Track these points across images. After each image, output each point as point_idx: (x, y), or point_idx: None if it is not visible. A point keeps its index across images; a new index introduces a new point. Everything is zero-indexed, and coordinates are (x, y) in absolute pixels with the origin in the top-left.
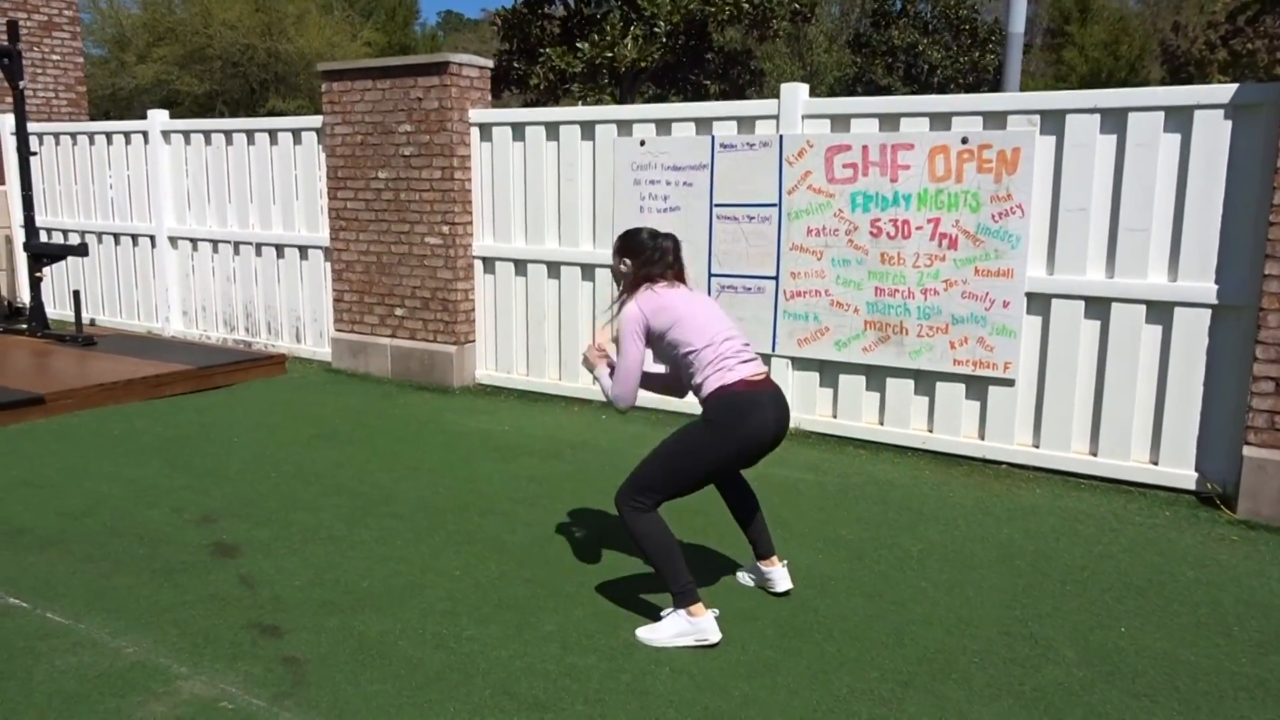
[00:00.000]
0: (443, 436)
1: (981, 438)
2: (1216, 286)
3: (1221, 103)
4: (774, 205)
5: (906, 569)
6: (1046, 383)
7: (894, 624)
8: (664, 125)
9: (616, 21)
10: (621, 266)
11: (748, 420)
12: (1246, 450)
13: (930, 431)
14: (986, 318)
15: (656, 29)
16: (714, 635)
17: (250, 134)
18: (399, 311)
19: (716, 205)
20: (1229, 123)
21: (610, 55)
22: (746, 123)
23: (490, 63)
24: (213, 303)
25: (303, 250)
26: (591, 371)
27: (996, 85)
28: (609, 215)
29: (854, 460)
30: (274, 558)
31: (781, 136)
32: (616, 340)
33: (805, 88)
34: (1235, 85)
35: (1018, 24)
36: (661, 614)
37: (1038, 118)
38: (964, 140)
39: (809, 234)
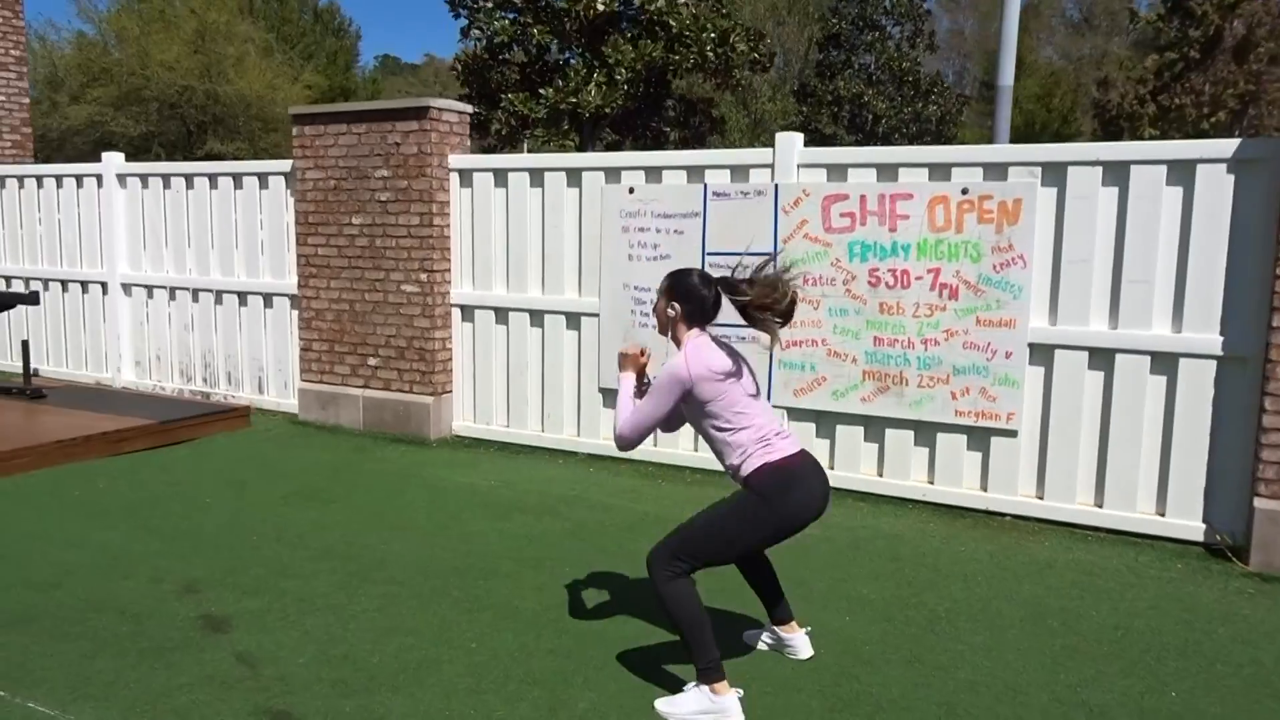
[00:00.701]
0: (427, 492)
1: (984, 489)
2: (1221, 338)
3: (1224, 158)
4: (770, 255)
5: (938, 630)
6: (1050, 433)
7: (941, 693)
8: (654, 173)
9: (580, 68)
10: (670, 311)
11: (795, 494)
12: (1258, 502)
13: (931, 483)
14: (989, 368)
15: (618, 76)
16: (736, 717)
17: (213, 178)
18: (372, 361)
19: (709, 254)
20: (1231, 177)
21: (574, 101)
22: (740, 171)
23: (469, 108)
24: (168, 352)
25: (267, 298)
26: (621, 370)
27: (939, 135)
28: (595, 263)
29: (855, 513)
30: (270, 632)
31: (777, 185)
32: (648, 385)
33: (800, 137)
34: (1238, 141)
35: (1007, 77)
36: (685, 687)
37: (1039, 169)
38: (964, 191)
39: (806, 283)
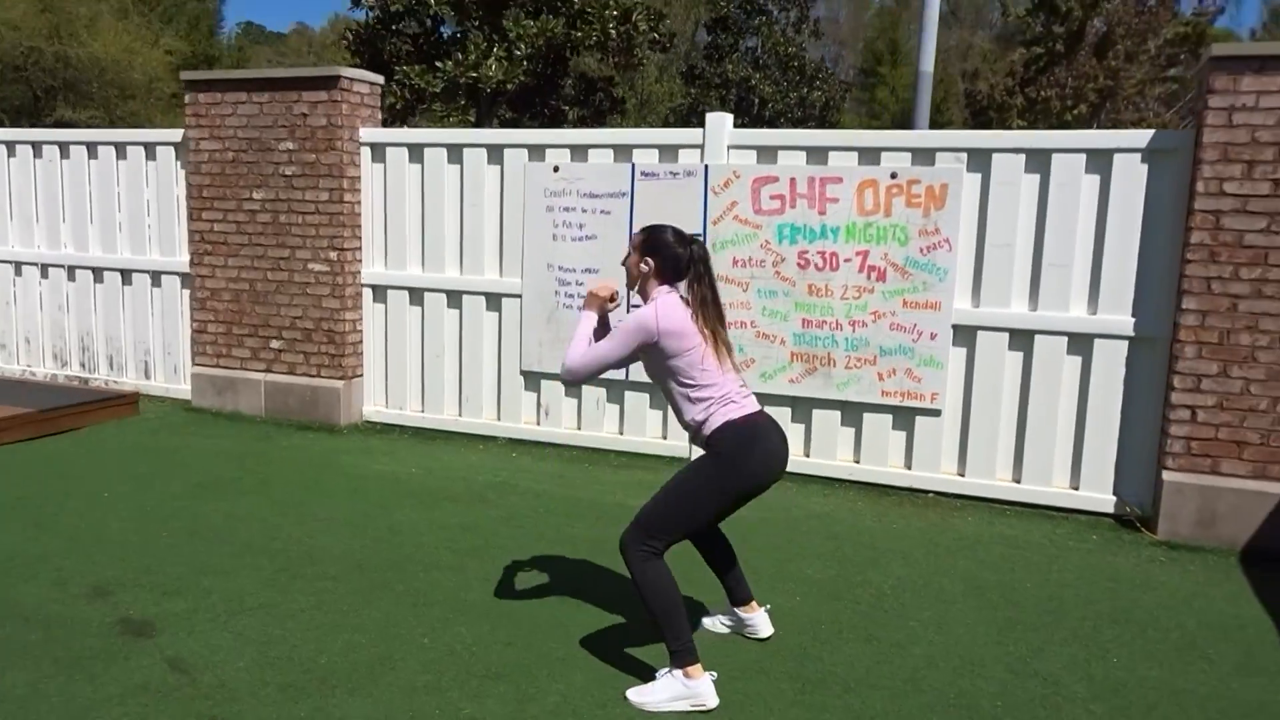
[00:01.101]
0: (346, 481)
1: (908, 467)
2: (1134, 319)
3: (1139, 148)
4: (698, 235)
5: (887, 608)
6: (972, 413)
7: (903, 668)
8: (579, 151)
9: (480, 42)
10: (643, 266)
11: (757, 451)
12: (1166, 475)
13: (857, 462)
14: (914, 349)
15: (517, 52)
16: (711, 700)
17: (92, 146)
18: (275, 344)
19: None
20: (1145, 166)
21: (475, 75)
22: (668, 151)
23: (380, 79)
24: (39, 335)
25: (155, 276)
26: (585, 307)
27: (823, 121)
28: (517, 243)
29: (786, 493)
30: (201, 635)
31: (707, 166)
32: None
33: (730, 118)
34: (1152, 132)
35: (927, 63)
36: (656, 674)
37: (965, 155)
38: (893, 175)
39: (735, 265)
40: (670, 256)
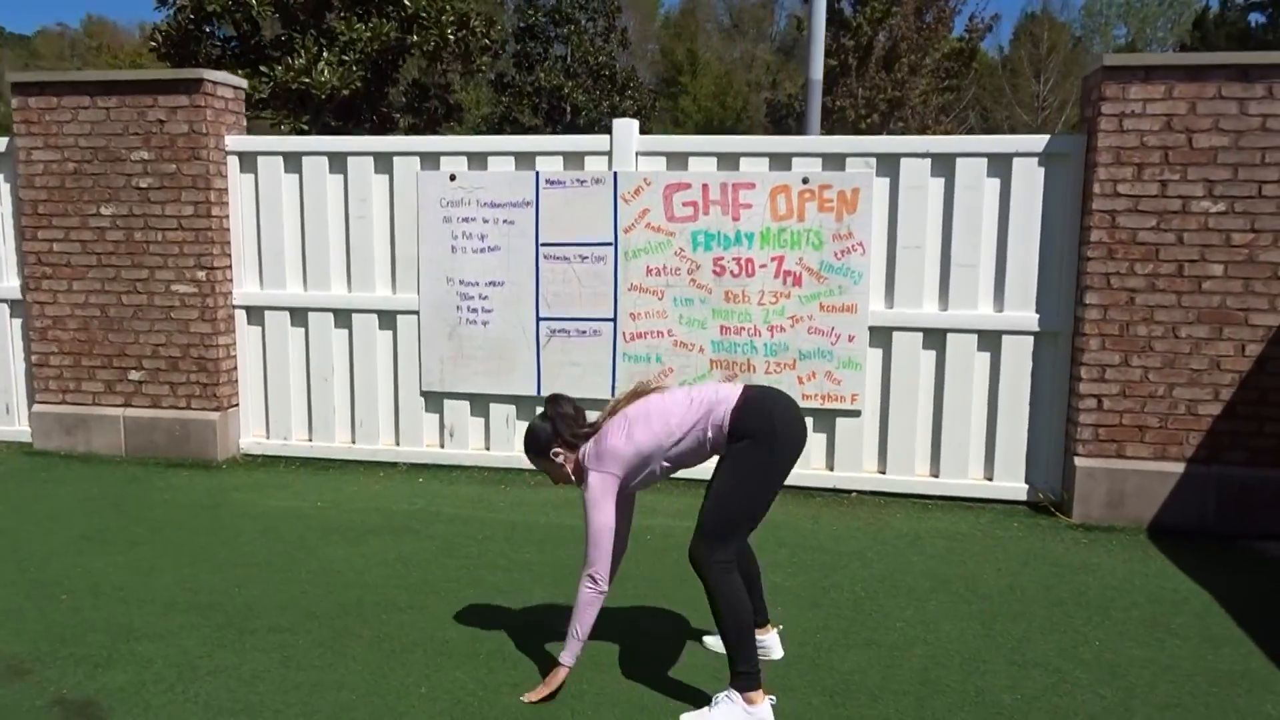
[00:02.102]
0: (247, 521)
1: (830, 468)
2: (1038, 315)
3: (1036, 152)
4: (609, 244)
5: (869, 610)
6: (890, 411)
7: (913, 671)
8: (478, 158)
9: (310, 46)
10: (557, 459)
11: (779, 417)
12: (1078, 460)
13: None
14: (833, 352)
15: (347, 57)
16: None
17: None
18: (135, 375)
19: (543, 244)
20: (1042, 170)
21: (307, 81)
22: (573, 158)
23: (244, 83)
24: None
25: None
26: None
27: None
28: (411, 256)
29: None
30: (161, 710)
31: (616, 173)
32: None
33: (636, 124)
34: (1048, 137)
35: (816, 71)
36: (714, 699)
37: (874, 160)
38: (805, 180)
39: (649, 273)
40: (564, 433)
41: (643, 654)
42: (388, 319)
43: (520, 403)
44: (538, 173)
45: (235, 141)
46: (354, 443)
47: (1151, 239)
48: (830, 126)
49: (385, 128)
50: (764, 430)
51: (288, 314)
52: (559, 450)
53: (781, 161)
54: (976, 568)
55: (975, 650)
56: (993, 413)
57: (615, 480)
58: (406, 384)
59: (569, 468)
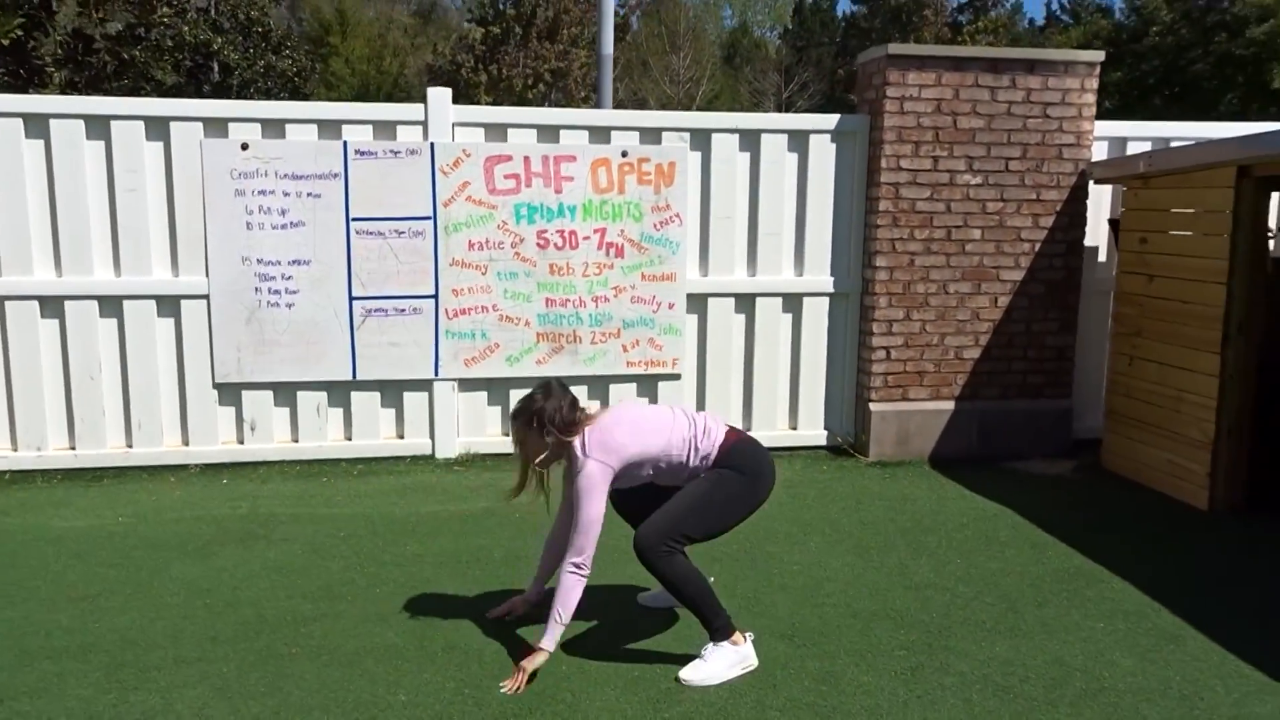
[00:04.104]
0: (47, 547)
1: None
2: (832, 278)
3: (829, 129)
4: (428, 218)
5: (762, 558)
6: (707, 372)
7: (838, 606)
8: (273, 126)
9: None
10: (548, 438)
11: (767, 467)
12: (872, 405)
13: None
14: (654, 319)
15: None
16: (754, 659)
17: None
18: None
19: (354, 219)
20: (834, 145)
21: None
22: (384, 128)
23: None
24: None
25: None
26: (548, 650)
27: (296, 91)
28: (198, 233)
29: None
30: None
31: (433, 144)
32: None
33: (449, 92)
34: (839, 116)
35: (607, 46)
36: (703, 653)
37: (688, 134)
38: (624, 154)
39: (471, 248)
40: (557, 410)
41: (624, 627)
42: (169, 305)
43: (333, 389)
44: (345, 142)
45: None
46: (131, 447)
47: (927, 208)
48: (499, 96)
49: (34, 83)
50: (753, 469)
51: (36, 303)
52: (553, 431)
53: (601, 135)
54: (824, 509)
55: (871, 580)
56: (795, 368)
57: (612, 473)
58: (195, 376)
59: (550, 451)
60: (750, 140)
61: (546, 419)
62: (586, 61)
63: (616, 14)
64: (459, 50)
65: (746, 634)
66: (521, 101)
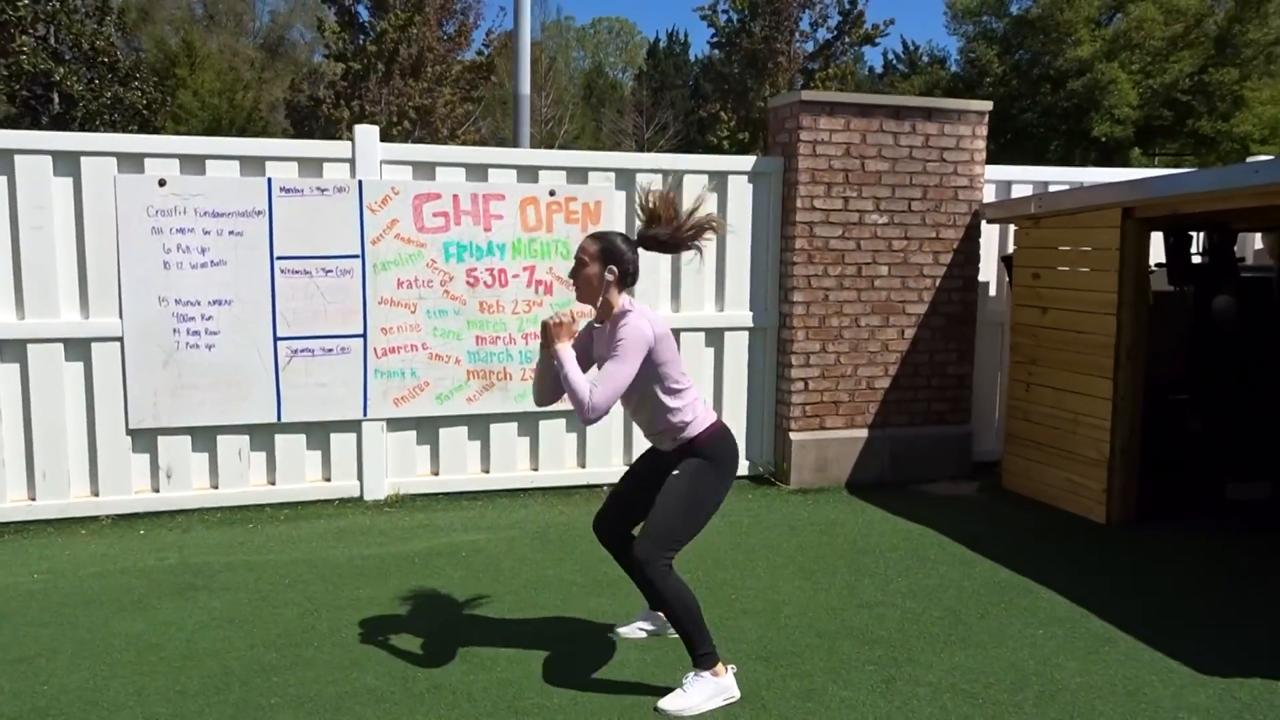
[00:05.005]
0: None
1: (583, 466)
2: (751, 313)
3: (746, 170)
4: (356, 256)
5: (718, 584)
6: None
7: (802, 626)
8: (193, 161)
9: None
10: (608, 275)
11: (737, 457)
12: (792, 435)
13: (536, 470)
14: None
15: None
16: (736, 691)
17: None
18: None
19: (279, 258)
20: (751, 186)
21: None
22: (310, 164)
23: None
24: None
25: None
26: (550, 347)
27: (145, 124)
28: (111, 273)
29: (505, 511)
30: None
31: (361, 182)
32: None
33: (376, 130)
34: (754, 158)
35: (524, 86)
36: (683, 683)
37: (613, 174)
38: (551, 193)
39: (400, 286)
40: (629, 261)
41: (608, 659)
42: (78, 348)
43: (256, 432)
44: (270, 179)
45: None
46: (34, 499)
47: (839, 246)
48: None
49: None
50: (728, 462)
51: None
52: (615, 272)
53: (529, 174)
54: (761, 536)
55: (825, 601)
56: (719, 400)
57: (648, 344)
58: (106, 423)
59: (600, 296)
60: (673, 181)
61: (618, 257)
62: (450, 99)
63: (480, 53)
64: (313, 85)
65: (729, 665)
66: (385, 139)
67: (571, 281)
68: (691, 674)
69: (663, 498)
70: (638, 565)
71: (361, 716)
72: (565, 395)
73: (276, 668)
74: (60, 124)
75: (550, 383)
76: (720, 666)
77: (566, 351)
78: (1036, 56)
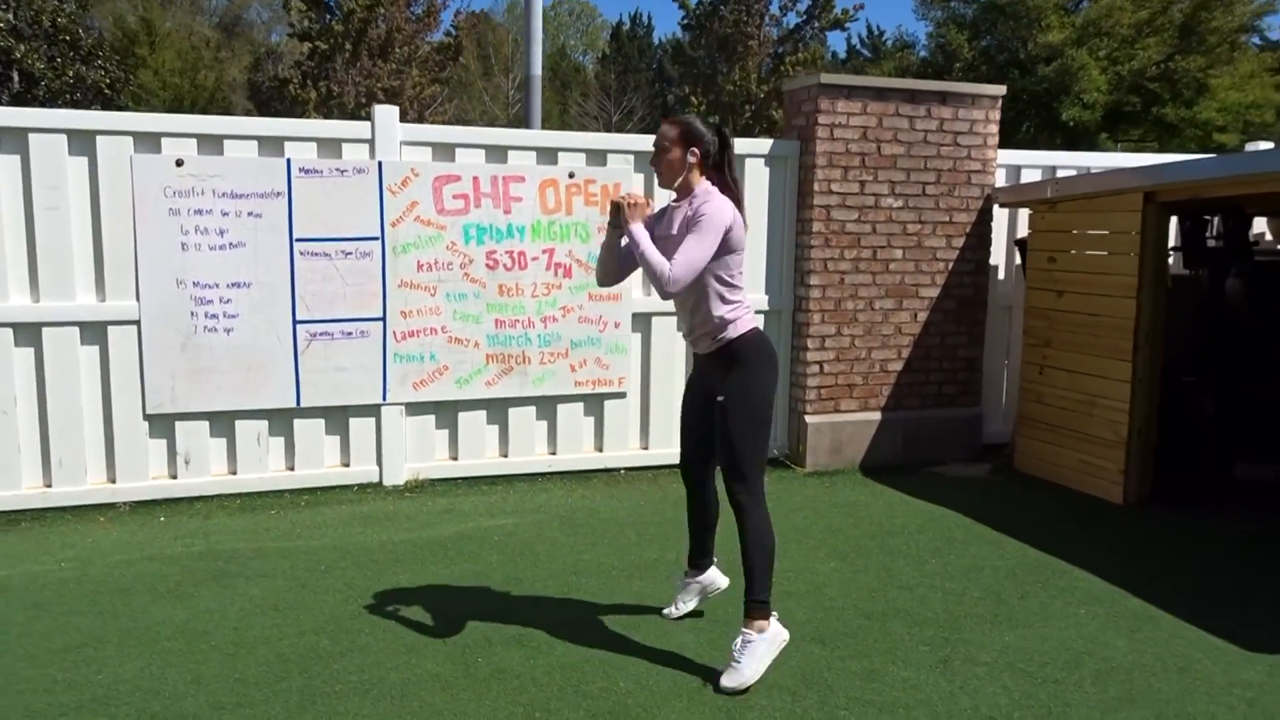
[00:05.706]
0: None
1: (600, 450)
2: (767, 296)
3: (763, 154)
4: (376, 239)
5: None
6: (652, 390)
7: (848, 607)
8: (210, 142)
9: None
10: (690, 157)
11: (775, 358)
12: (808, 418)
13: (554, 454)
14: (601, 339)
15: None
16: (785, 633)
17: None
18: None
19: (299, 240)
20: (768, 169)
21: None
22: (329, 145)
23: None
24: None
25: None
26: (624, 225)
27: (109, 103)
28: (127, 255)
29: (524, 496)
30: None
31: (381, 163)
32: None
33: (396, 110)
34: (772, 141)
35: (536, 67)
36: (734, 654)
37: (632, 157)
38: (571, 175)
39: (420, 269)
40: (710, 143)
41: (666, 641)
42: (94, 332)
43: (274, 417)
44: (289, 160)
45: None
46: (50, 486)
47: (855, 229)
48: (329, 111)
49: None
50: (766, 365)
51: None
52: (696, 154)
53: (548, 156)
54: (788, 518)
55: (865, 583)
56: None
57: (725, 228)
58: (124, 408)
59: (682, 175)
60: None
61: (698, 138)
62: (419, 80)
63: (449, 34)
64: (274, 65)
65: (772, 614)
66: (354, 118)
67: (654, 169)
68: (739, 641)
69: (722, 430)
70: (737, 508)
71: (429, 703)
72: (627, 276)
73: (333, 654)
74: (20, 102)
75: (614, 264)
76: (769, 620)
77: (640, 230)
78: (1005, 42)
